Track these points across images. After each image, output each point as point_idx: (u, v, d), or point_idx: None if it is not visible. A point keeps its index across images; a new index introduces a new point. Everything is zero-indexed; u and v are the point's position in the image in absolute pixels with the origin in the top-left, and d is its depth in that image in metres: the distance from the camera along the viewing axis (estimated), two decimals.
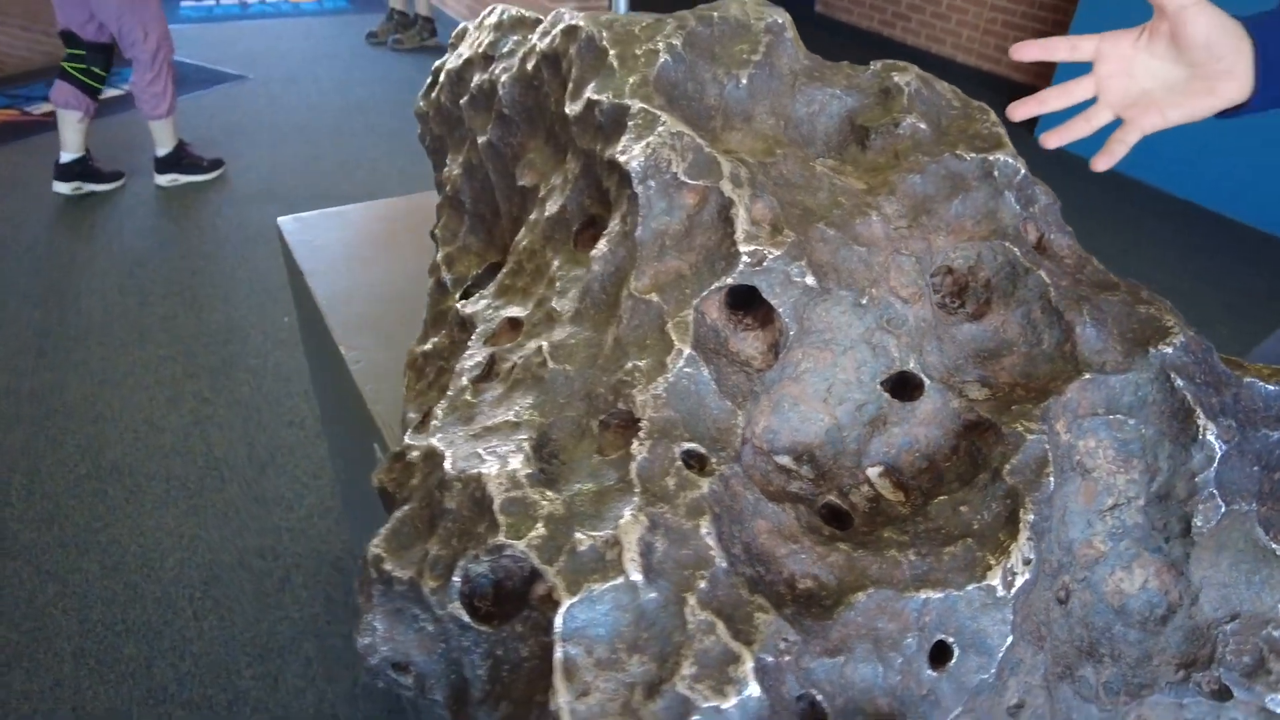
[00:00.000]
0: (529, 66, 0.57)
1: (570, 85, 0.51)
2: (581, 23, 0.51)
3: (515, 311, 0.51)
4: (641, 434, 0.38)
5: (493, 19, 0.67)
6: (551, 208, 0.52)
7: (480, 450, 0.39)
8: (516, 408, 0.41)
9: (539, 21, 0.61)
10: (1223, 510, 0.42)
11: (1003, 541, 0.39)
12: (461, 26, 0.80)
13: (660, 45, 0.49)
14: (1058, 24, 3.86)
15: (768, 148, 0.48)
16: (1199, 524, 0.42)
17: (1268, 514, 0.44)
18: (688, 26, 0.51)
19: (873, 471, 0.46)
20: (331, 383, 0.95)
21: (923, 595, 0.37)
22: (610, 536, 0.34)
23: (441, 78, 0.74)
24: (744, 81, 0.50)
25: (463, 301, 0.61)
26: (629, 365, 0.41)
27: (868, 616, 0.37)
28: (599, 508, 0.35)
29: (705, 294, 0.42)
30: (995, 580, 0.38)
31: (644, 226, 0.43)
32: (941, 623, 0.37)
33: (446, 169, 0.73)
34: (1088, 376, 0.43)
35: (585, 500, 0.36)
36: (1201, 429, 0.42)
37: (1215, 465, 0.42)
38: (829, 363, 0.44)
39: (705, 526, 0.35)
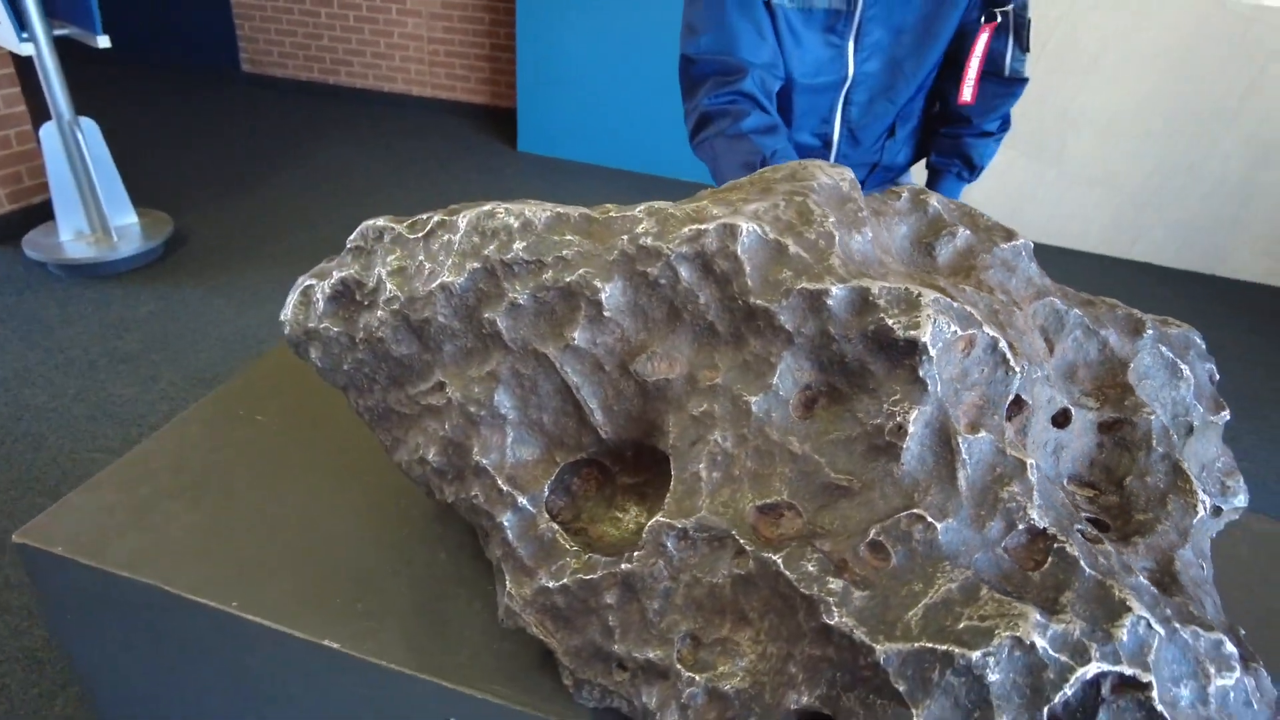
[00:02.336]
0: (651, 270, 0.56)
1: (755, 280, 0.54)
2: (740, 222, 0.54)
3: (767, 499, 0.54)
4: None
5: (491, 223, 0.62)
6: (749, 392, 0.55)
7: None
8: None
9: (586, 220, 0.60)
10: (1201, 410, 0.68)
11: (1183, 485, 0.60)
12: (366, 232, 0.69)
13: (826, 226, 0.55)
14: (497, 47, 4.29)
15: (917, 280, 0.58)
16: (1195, 421, 0.68)
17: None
18: (809, 199, 0.57)
19: (1070, 486, 0.62)
20: None
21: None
22: None
23: (392, 292, 0.65)
24: (869, 233, 0.59)
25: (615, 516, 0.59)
26: (1009, 485, 0.49)
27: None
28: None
29: (998, 412, 0.52)
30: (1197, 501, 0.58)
31: (938, 380, 0.51)
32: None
33: (449, 386, 0.65)
34: (1130, 365, 0.65)
35: None
36: (1184, 369, 0.67)
37: (1193, 387, 0.68)
38: (1040, 421, 0.58)
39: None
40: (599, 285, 0.58)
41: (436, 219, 0.66)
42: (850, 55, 1.11)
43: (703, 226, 0.55)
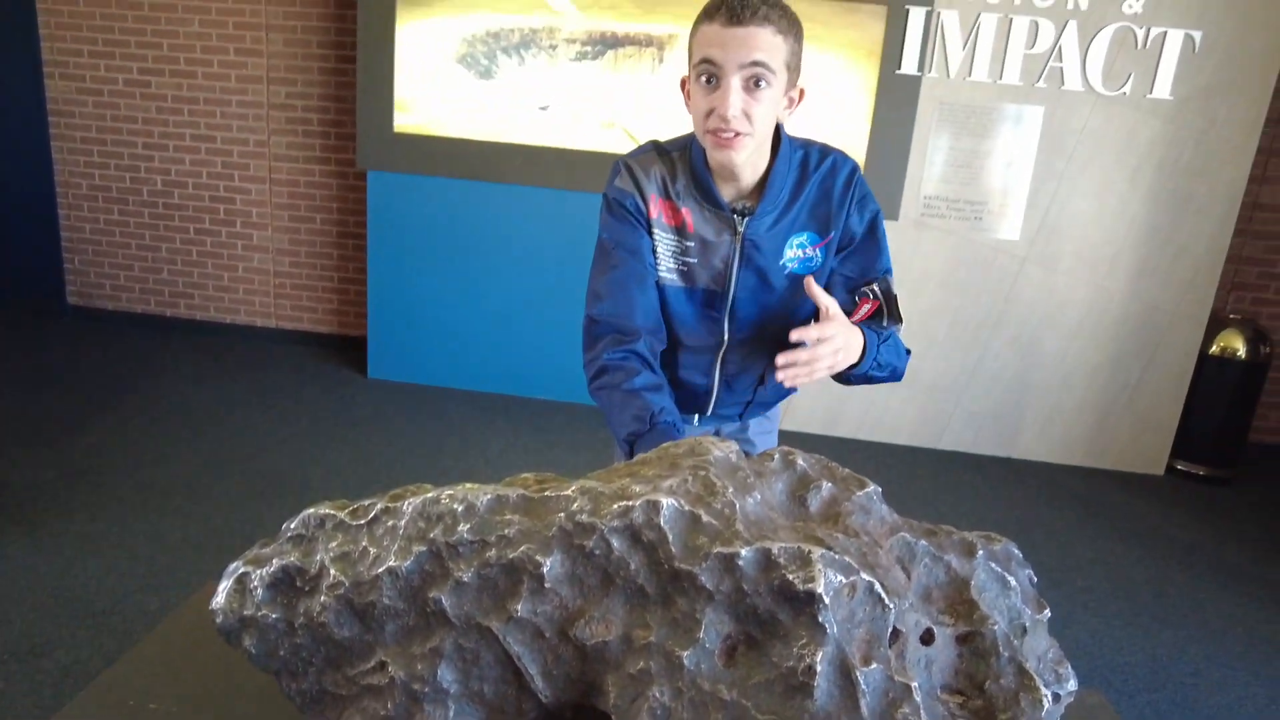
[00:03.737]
0: (586, 543, 0.66)
1: (678, 547, 0.64)
2: (661, 498, 0.65)
3: None
4: None
5: (437, 508, 0.69)
6: (680, 646, 0.64)
7: None
8: None
9: (524, 500, 0.69)
10: (1029, 612, 0.84)
11: (1028, 683, 0.73)
12: (307, 520, 0.74)
13: (727, 495, 0.67)
14: (346, 280, 4.41)
15: (802, 534, 0.71)
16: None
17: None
18: (710, 473, 0.70)
19: (943, 695, 0.73)
20: None
21: None
22: None
23: (336, 577, 0.70)
24: (758, 496, 0.72)
25: None
26: (901, 707, 0.60)
27: None
28: None
29: (883, 644, 0.64)
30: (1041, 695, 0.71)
31: (834, 623, 0.63)
32: None
33: (390, 665, 0.69)
34: (971, 582, 0.80)
35: None
36: (1011, 580, 0.83)
37: (1020, 593, 0.83)
38: (912, 643, 0.70)
39: None
40: (540, 560, 0.66)
41: (380, 506, 0.72)
42: (725, 326, 1.33)
43: (630, 503, 0.66)
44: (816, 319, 1.25)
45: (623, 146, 3.64)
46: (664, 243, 1.28)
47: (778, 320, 1.31)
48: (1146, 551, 3.07)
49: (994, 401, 3.81)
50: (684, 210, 1.27)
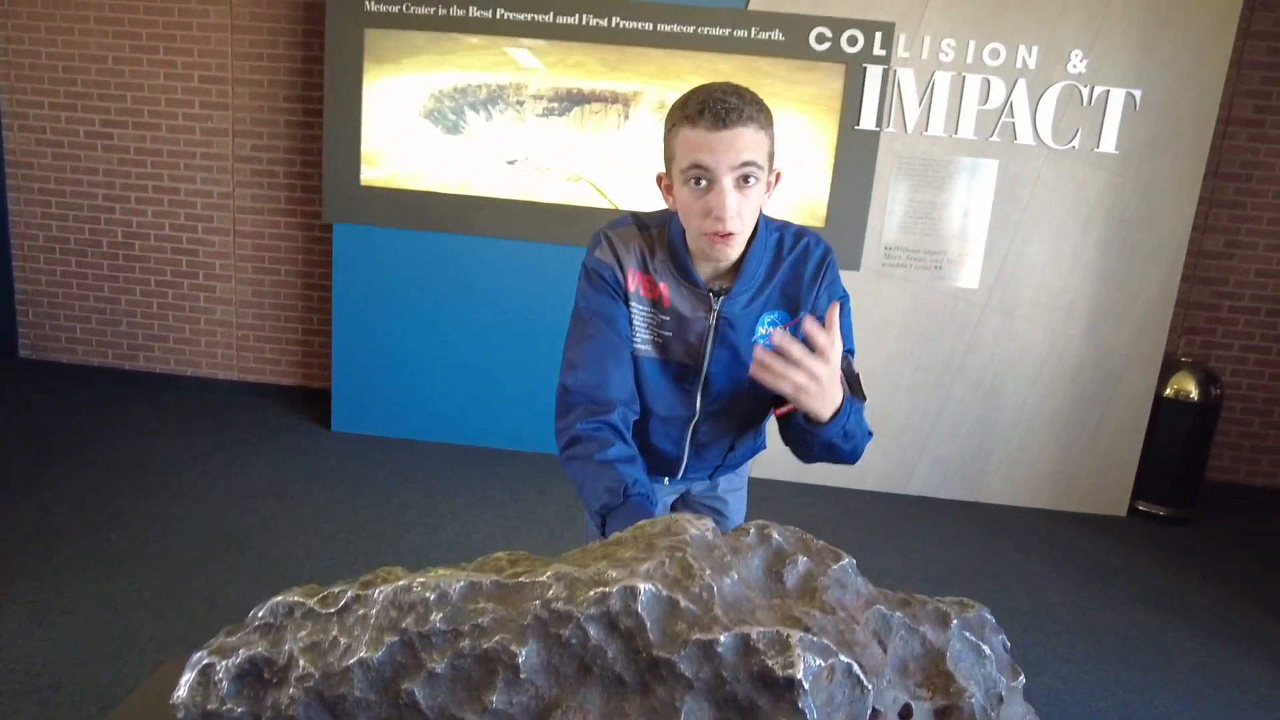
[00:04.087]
0: (563, 632, 0.65)
1: (656, 634, 0.64)
2: (639, 583, 0.65)
3: None
4: None
5: (408, 596, 0.68)
6: None
7: None
8: None
9: (498, 586, 0.68)
10: (1004, 680, 0.84)
11: None
12: (275, 609, 0.72)
13: (705, 578, 0.67)
14: (310, 332, 4.37)
15: (780, 613, 0.71)
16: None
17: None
18: (686, 554, 0.69)
19: None
20: None
21: None
22: None
23: (305, 669, 0.68)
24: (735, 575, 0.71)
25: None
26: None
27: None
28: None
29: None
30: None
31: (813, 708, 0.62)
32: None
33: None
34: (946, 654, 0.80)
35: None
36: (985, 649, 0.83)
37: (995, 661, 0.84)
38: None
39: None
40: (515, 649, 0.65)
41: (350, 594, 0.71)
42: (698, 399, 1.34)
43: (607, 589, 0.65)
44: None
45: (589, 200, 3.69)
46: (640, 314, 1.30)
47: (749, 396, 1.32)
48: (1113, 594, 3.10)
49: (958, 446, 3.86)
50: (661, 285, 1.28)
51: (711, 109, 1.12)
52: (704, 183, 1.16)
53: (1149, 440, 3.81)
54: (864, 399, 1.23)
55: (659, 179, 1.27)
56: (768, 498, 3.60)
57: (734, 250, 1.21)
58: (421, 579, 0.69)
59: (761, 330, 1.31)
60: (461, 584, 0.68)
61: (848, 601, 0.80)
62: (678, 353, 1.31)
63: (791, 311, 1.31)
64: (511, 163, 3.70)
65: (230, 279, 4.29)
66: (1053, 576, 3.21)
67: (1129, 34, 3.49)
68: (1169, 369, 3.79)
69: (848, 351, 1.33)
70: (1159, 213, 3.62)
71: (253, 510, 3.16)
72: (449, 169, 3.73)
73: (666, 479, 1.49)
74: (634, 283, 1.29)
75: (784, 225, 1.33)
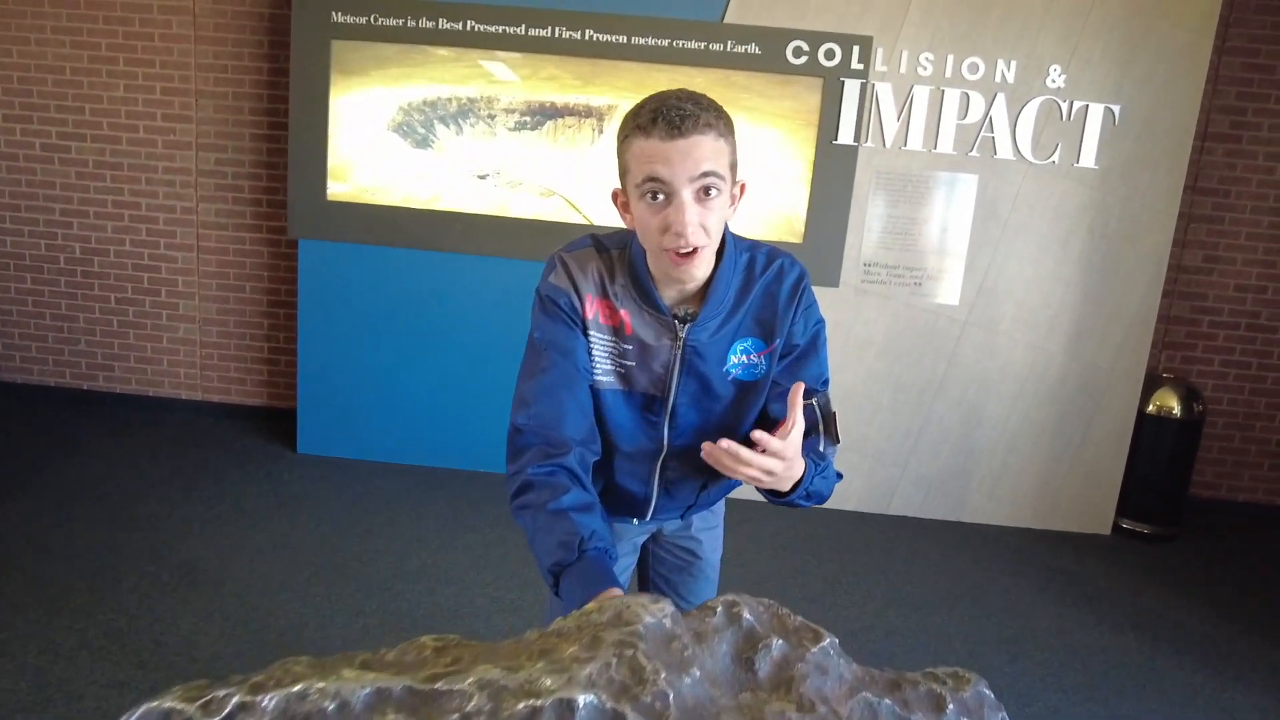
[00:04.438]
0: None
1: None
2: (576, 694, 0.55)
3: None
4: None
5: (303, 706, 0.58)
6: None
7: None
8: None
9: (410, 694, 0.58)
10: None
11: None
12: (147, 715, 0.61)
13: (659, 684, 0.57)
14: (276, 351, 4.24)
15: (750, 716, 0.61)
16: None
17: None
18: (638, 652, 0.60)
19: None
20: None
21: None
22: None
23: None
24: (696, 672, 0.62)
25: None
26: None
27: None
28: None
29: None
30: None
31: None
32: None
33: None
34: None
35: None
36: None
37: None
38: None
39: None
40: None
41: (236, 699, 0.60)
42: (665, 432, 1.23)
43: (538, 703, 0.56)
44: (763, 424, 1.17)
45: (563, 216, 3.60)
46: (600, 344, 1.20)
47: (722, 427, 1.22)
48: (1100, 617, 3.03)
49: (941, 465, 3.79)
50: (622, 311, 1.19)
51: (665, 116, 1.03)
52: (661, 196, 1.06)
53: (1132, 457, 3.75)
54: (837, 441, 1.13)
55: (614, 195, 1.18)
56: (746, 519, 3.51)
57: (698, 269, 1.11)
58: (321, 685, 0.59)
59: (735, 359, 1.22)
60: (367, 691, 0.58)
61: (829, 690, 0.71)
62: (642, 383, 1.21)
63: (766, 339, 1.22)
64: (483, 177, 3.60)
65: (194, 296, 4.15)
66: (1039, 599, 3.13)
67: (1107, 49, 3.46)
68: (1151, 385, 3.74)
69: (823, 383, 1.24)
70: (1139, 228, 3.58)
71: (210, 540, 3.02)
72: (418, 183, 3.62)
73: (635, 520, 1.39)
74: (592, 310, 1.19)
75: (755, 245, 1.24)
